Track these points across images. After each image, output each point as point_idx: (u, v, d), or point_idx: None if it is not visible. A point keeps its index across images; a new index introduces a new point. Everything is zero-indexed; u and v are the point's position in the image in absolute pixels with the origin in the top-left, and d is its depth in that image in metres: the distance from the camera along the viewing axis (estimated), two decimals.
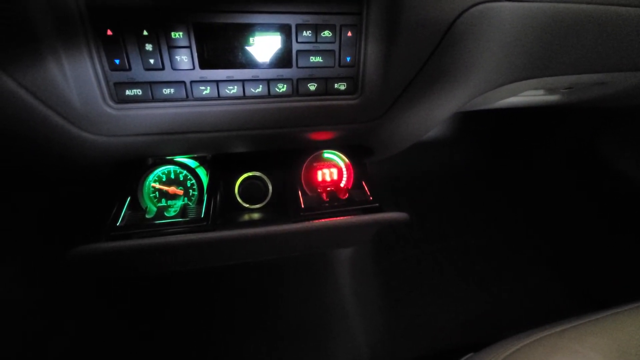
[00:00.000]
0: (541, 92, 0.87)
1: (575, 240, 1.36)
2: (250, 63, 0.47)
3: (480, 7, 0.48)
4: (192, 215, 0.55)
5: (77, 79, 0.43)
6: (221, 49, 0.46)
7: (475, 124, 1.58)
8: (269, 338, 0.98)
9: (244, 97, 0.49)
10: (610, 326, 0.59)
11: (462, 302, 1.20)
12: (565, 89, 0.85)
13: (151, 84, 0.46)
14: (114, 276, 0.96)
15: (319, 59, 0.49)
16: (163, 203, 0.61)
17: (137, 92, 0.46)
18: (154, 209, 0.58)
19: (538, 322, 0.62)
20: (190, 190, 0.62)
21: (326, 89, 0.51)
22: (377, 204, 0.59)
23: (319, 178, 0.68)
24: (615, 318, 0.61)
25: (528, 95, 0.85)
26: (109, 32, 0.42)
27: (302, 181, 0.65)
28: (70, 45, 0.41)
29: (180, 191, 0.61)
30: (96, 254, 0.46)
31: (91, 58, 0.42)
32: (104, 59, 0.43)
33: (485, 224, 1.47)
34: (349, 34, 0.48)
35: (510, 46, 0.56)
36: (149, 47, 0.43)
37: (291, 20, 0.46)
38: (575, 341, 0.57)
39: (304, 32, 0.47)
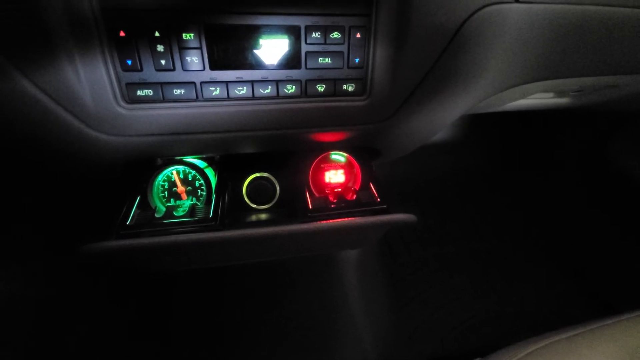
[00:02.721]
0: (550, 94, 0.87)
1: (584, 244, 1.34)
2: (259, 64, 0.48)
3: (489, 8, 0.48)
4: (200, 215, 0.56)
5: (91, 79, 0.43)
6: (231, 50, 0.46)
7: (483, 127, 1.57)
8: (274, 339, 0.98)
9: (253, 97, 0.49)
10: (621, 332, 0.58)
11: (469, 306, 1.19)
12: (575, 91, 0.85)
13: (162, 84, 0.46)
14: (123, 275, 0.97)
15: (327, 60, 0.49)
16: (172, 203, 0.62)
17: (148, 92, 0.46)
18: (163, 208, 0.59)
19: (547, 327, 0.61)
20: (199, 191, 0.62)
21: (335, 90, 0.51)
22: (384, 206, 0.59)
23: (327, 179, 0.68)
24: (627, 324, 0.60)
25: (537, 97, 0.85)
26: (122, 34, 0.42)
27: (310, 182, 0.65)
28: (84, 47, 0.42)
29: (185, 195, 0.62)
30: (106, 252, 0.47)
31: (104, 59, 0.43)
32: (117, 60, 0.44)
33: (493, 227, 1.45)
34: (358, 35, 0.48)
35: (520, 48, 0.56)
36: (160, 48, 0.44)
37: (301, 21, 0.46)
38: (586, 347, 0.56)
39: (313, 33, 0.47)
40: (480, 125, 1.55)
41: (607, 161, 1.26)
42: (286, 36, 0.46)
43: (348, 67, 0.50)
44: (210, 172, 0.63)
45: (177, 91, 0.47)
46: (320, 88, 0.51)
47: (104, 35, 0.42)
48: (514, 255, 1.37)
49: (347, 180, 0.69)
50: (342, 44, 0.48)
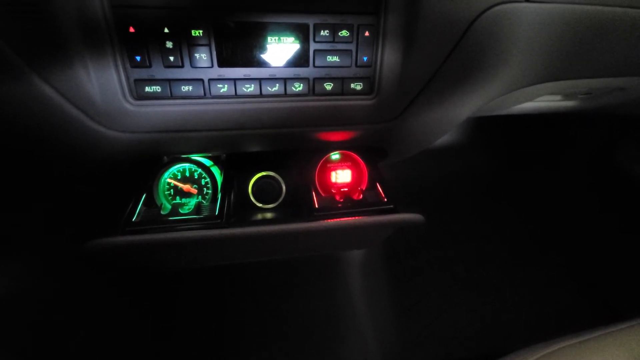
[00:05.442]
0: (558, 97, 0.86)
1: (591, 248, 1.33)
2: (267, 62, 0.48)
3: (499, 8, 0.48)
4: (206, 212, 0.55)
5: (100, 75, 0.43)
6: (240, 47, 0.46)
7: (489, 130, 1.56)
8: (277, 339, 0.97)
9: (261, 95, 0.49)
10: (629, 338, 0.57)
11: (474, 310, 1.18)
12: (584, 94, 0.84)
13: (170, 81, 0.46)
14: (127, 273, 0.97)
15: (335, 59, 0.49)
16: (178, 200, 0.62)
17: (157, 89, 0.46)
18: (169, 206, 0.58)
19: (553, 331, 0.60)
20: (205, 189, 0.62)
21: (342, 89, 0.51)
22: (391, 206, 0.59)
23: (333, 179, 0.67)
24: (635, 330, 0.59)
25: (544, 100, 0.84)
26: (131, 30, 0.43)
27: (316, 181, 0.65)
28: (94, 43, 0.42)
29: (194, 190, 0.62)
30: (111, 248, 0.47)
31: (113, 55, 0.43)
32: (126, 56, 0.44)
33: (498, 232, 1.44)
34: (367, 33, 0.48)
35: (529, 48, 0.55)
36: (169, 44, 0.44)
37: (309, 19, 0.46)
38: (594, 353, 0.55)
39: (322, 31, 0.47)
40: (485, 128, 1.54)
41: (615, 165, 1.25)
42: (294, 34, 0.46)
43: (356, 65, 0.50)
44: (216, 171, 0.63)
45: (185, 88, 0.47)
46: (328, 86, 0.50)
47: (113, 31, 0.42)
48: (519, 259, 1.36)
49: (354, 179, 0.69)
50: (351, 42, 0.48)
